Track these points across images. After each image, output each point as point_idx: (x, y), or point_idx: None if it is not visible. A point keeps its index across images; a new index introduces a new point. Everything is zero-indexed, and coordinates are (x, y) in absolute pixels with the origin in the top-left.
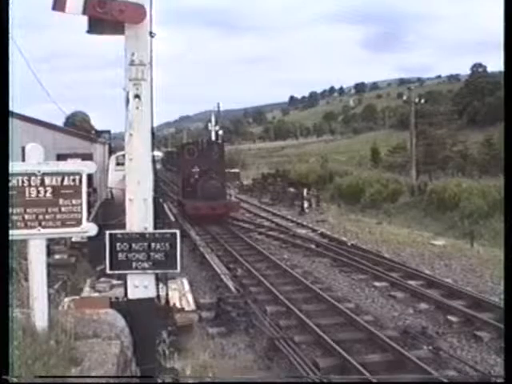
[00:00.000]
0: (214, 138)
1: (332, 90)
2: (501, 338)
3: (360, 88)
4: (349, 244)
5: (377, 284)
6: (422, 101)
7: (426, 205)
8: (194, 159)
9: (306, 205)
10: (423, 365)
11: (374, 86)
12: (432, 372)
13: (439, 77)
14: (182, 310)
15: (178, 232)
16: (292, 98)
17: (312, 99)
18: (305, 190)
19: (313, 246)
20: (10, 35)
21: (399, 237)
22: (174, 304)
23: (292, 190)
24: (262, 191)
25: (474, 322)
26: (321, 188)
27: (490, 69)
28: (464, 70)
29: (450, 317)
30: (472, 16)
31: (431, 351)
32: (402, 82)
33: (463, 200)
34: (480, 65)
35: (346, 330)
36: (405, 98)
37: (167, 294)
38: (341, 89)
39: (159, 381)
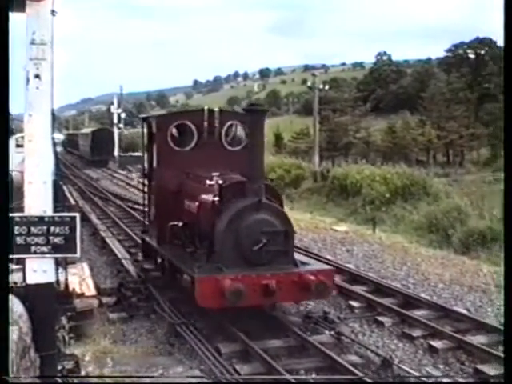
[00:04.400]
0: (116, 120)
1: (236, 74)
2: (402, 323)
3: (264, 73)
4: None
5: None
6: (327, 87)
7: (329, 191)
8: (193, 153)
9: None
10: (325, 349)
11: (279, 71)
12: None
13: (344, 64)
14: (82, 295)
15: (77, 215)
16: (196, 82)
17: (216, 83)
18: None
19: None
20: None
21: (301, 222)
22: (74, 289)
23: None
24: None
25: (376, 307)
26: None
27: (394, 57)
28: (369, 58)
29: (351, 302)
30: (378, 4)
31: (333, 336)
32: (306, 68)
33: (365, 186)
34: (385, 53)
35: (247, 315)
36: (309, 83)
37: (67, 279)
38: (245, 74)
39: (59, 367)
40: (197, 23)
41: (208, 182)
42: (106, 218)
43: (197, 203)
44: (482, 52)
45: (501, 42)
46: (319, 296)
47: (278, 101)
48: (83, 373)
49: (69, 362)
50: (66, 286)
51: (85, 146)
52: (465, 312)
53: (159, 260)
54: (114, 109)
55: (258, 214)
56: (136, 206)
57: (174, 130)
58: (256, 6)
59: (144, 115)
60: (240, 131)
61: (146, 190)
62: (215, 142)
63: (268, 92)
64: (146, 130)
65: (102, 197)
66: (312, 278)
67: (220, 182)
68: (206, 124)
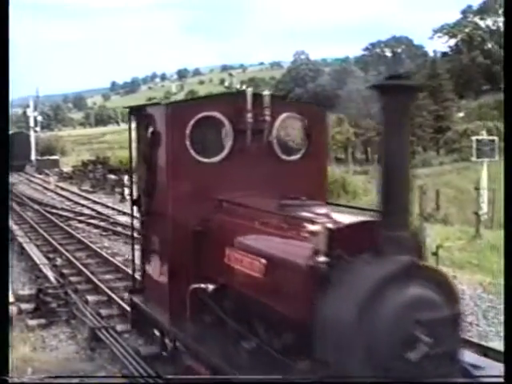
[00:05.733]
0: (32, 124)
1: (154, 75)
2: None
3: (182, 74)
4: None
5: None
6: (244, 87)
7: None
8: (227, 166)
9: (126, 192)
10: None
11: (197, 71)
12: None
13: (262, 63)
14: None
15: None
16: (113, 83)
17: (134, 84)
18: (125, 177)
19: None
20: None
21: None
22: None
23: (113, 176)
24: (82, 179)
25: None
26: None
27: (312, 56)
28: (287, 57)
29: None
30: (295, 4)
31: None
32: (224, 68)
33: None
34: (302, 52)
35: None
36: (226, 83)
37: None
38: (163, 74)
39: None
40: (113, 23)
41: (310, 226)
42: (24, 224)
43: (262, 260)
44: (399, 50)
45: (417, 41)
46: None
47: None
48: None
49: None
50: None
51: None
52: None
53: (168, 342)
54: (30, 112)
55: (410, 287)
56: (54, 211)
57: (196, 128)
58: (173, 7)
59: (137, 104)
60: (298, 130)
61: (139, 225)
62: (262, 148)
63: (186, 92)
64: (139, 128)
65: (19, 202)
66: None
67: (329, 225)
68: (249, 117)
